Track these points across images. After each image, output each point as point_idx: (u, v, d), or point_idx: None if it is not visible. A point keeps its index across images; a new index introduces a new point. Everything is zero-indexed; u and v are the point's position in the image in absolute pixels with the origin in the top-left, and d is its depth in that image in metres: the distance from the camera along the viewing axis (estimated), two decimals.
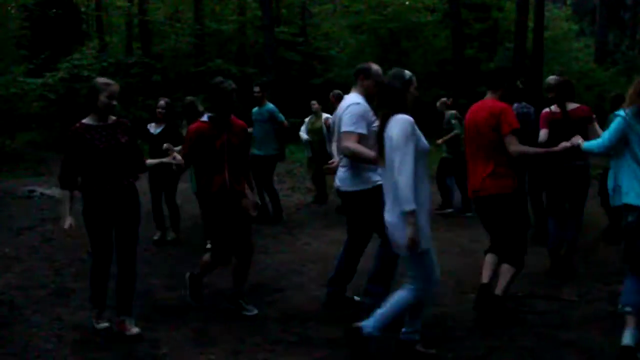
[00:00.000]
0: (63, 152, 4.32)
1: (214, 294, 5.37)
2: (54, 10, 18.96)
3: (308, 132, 9.61)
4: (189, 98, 6.95)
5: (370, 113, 4.48)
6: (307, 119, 9.75)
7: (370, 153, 4.18)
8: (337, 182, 4.70)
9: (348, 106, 4.51)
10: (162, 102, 7.25)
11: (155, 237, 7.21)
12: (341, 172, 4.62)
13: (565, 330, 4.38)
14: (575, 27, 24.29)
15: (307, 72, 20.98)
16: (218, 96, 4.57)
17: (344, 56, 22.02)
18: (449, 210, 8.91)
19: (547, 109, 5.79)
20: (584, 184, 5.70)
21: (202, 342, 4.34)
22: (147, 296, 5.35)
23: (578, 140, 4.40)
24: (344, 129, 4.45)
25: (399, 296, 3.81)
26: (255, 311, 4.84)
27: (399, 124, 3.64)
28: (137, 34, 21.98)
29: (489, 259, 4.65)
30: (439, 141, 8.90)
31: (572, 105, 5.60)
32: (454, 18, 18.81)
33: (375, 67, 4.70)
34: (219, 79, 4.66)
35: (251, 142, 7.50)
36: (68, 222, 4.26)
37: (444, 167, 9.02)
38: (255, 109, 8.39)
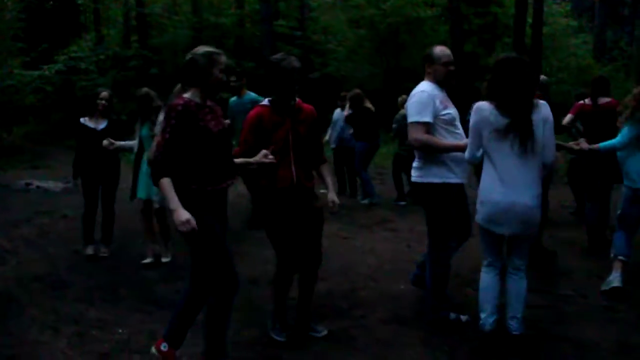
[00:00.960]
0: (166, 132, 3.37)
1: None
2: (51, 2, 18.92)
3: None
4: (144, 89, 6.30)
5: (439, 100, 4.21)
6: None
7: (443, 142, 4.14)
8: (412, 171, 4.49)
9: (412, 95, 4.32)
10: (105, 93, 6.45)
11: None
12: (414, 162, 4.42)
13: (559, 325, 4.38)
14: (574, 23, 24.26)
15: (306, 66, 20.91)
16: (277, 76, 3.90)
17: (343, 50, 21.95)
18: (403, 202, 9.31)
19: (581, 101, 6.53)
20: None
21: (198, 333, 4.32)
22: (143, 288, 5.35)
23: (585, 145, 5.22)
24: (408, 119, 4.24)
25: (520, 287, 3.93)
26: (325, 332, 4.25)
27: (548, 108, 3.80)
28: (135, 27, 21.89)
29: None
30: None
31: (603, 99, 6.24)
32: (453, 13, 18.78)
33: (437, 50, 4.36)
34: (279, 55, 4.04)
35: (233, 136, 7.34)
36: (185, 217, 3.30)
37: (398, 163, 9.41)
38: (233, 99, 7.81)
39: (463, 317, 4.41)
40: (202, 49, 3.53)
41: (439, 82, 4.33)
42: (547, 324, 4.30)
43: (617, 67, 20.31)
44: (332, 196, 4.14)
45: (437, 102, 4.19)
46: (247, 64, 19.72)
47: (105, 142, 5.91)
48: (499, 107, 3.69)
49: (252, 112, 4.05)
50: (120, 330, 4.42)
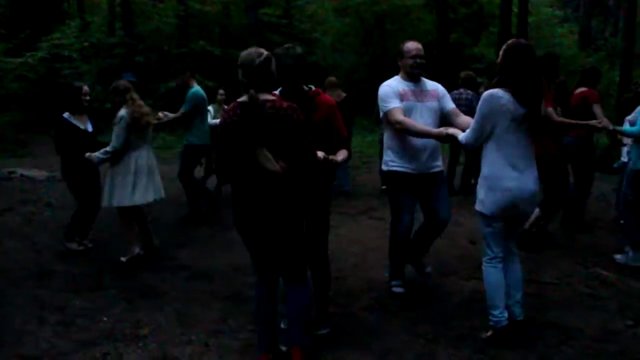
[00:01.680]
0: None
1: (195, 275, 5.37)
2: None
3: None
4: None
5: (400, 93, 4.50)
6: (210, 109, 8.45)
7: (419, 126, 4.38)
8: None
9: (379, 90, 4.62)
10: (86, 88, 6.10)
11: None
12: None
13: (544, 312, 4.43)
14: (559, 13, 24.38)
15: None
16: (280, 67, 3.61)
17: (329, 39, 21.91)
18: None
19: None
20: None
21: (183, 322, 4.34)
22: (128, 277, 5.33)
23: (607, 123, 5.83)
24: (382, 112, 4.60)
25: (518, 272, 4.04)
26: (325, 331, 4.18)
27: None
28: (119, 14, 21.65)
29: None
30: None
31: (581, 89, 6.48)
32: (439, 2, 18.80)
33: (406, 44, 4.62)
34: (285, 47, 3.78)
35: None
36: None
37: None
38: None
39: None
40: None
41: (408, 75, 4.58)
42: (532, 311, 4.34)
43: (602, 57, 20.46)
44: (333, 156, 3.76)
45: (398, 95, 4.49)
46: (233, 53, 19.63)
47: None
48: (515, 95, 3.69)
49: None
50: (105, 319, 4.41)
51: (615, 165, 6.89)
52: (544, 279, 5.18)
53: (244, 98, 3.39)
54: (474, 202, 4.02)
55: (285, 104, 3.35)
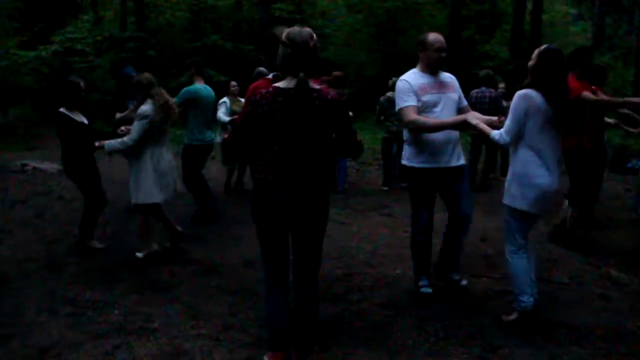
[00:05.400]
0: None
1: (205, 270, 5.38)
2: None
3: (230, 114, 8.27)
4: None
5: (419, 87, 4.41)
6: (227, 100, 8.46)
7: (431, 121, 4.36)
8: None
9: (396, 85, 4.57)
10: (83, 83, 5.95)
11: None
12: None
13: (555, 312, 4.41)
14: (573, 10, 24.22)
15: None
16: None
17: (341, 35, 21.85)
18: (386, 188, 9.43)
19: None
20: None
21: (193, 316, 4.35)
22: (139, 270, 5.36)
23: None
24: (397, 108, 4.53)
25: (532, 263, 4.19)
26: None
27: None
28: (132, 8, 21.72)
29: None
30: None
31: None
32: None
33: (430, 36, 4.52)
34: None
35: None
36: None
37: (386, 146, 9.50)
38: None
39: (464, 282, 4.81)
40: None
41: (429, 68, 4.50)
42: (543, 310, 4.32)
43: (616, 55, 20.28)
44: None
45: (417, 89, 4.39)
46: (245, 47, 19.63)
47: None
48: (546, 96, 3.89)
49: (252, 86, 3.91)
50: (116, 312, 4.43)
51: (628, 165, 6.84)
52: (555, 278, 5.15)
53: (285, 83, 3.15)
54: (488, 200, 4.06)
55: (330, 91, 3.24)
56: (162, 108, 5.53)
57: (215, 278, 5.18)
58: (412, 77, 4.48)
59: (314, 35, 3.21)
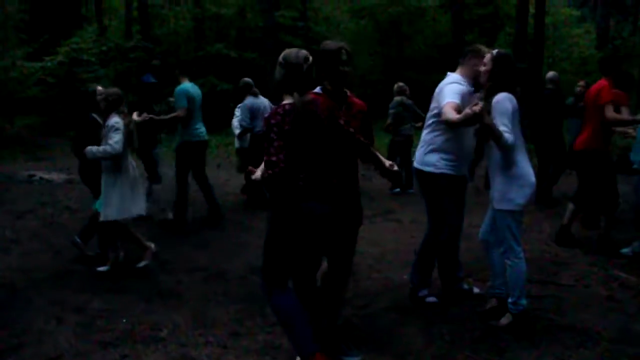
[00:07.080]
0: None
1: (211, 276, 5.40)
2: None
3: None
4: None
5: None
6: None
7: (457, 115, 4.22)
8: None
9: (447, 83, 4.41)
10: (100, 88, 6.10)
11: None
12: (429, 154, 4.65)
13: (562, 314, 4.41)
14: (576, 13, 24.19)
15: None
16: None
17: (344, 41, 21.94)
18: (397, 190, 9.63)
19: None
20: None
21: (201, 323, 4.37)
22: (146, 279, 5.38)
23: None
24: (443, 101, 4.25)
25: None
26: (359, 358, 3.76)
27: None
28: (136, 18, 21.86)
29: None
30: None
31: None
32: (455, 3, 18.72)
33: (485, 49, 4.46)
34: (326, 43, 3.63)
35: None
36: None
37: (393, 149, 9.67)
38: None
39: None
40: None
41: (472, 79, 4.40)
42: (549, 313, 4.32)
43: (620, 57, 20.23)
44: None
45: (463, 97, 4.24)
46: (249, 55, 19.71)
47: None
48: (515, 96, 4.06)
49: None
50: (124, 320, 4.45)
51: (635, 166, 6.81)
52: (561, 280, 5.15)
53: (291, 101, 3.27)
54: (488, 203, 4.12)
55: (326, 101, 3.34)
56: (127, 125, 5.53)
57: (222, 285, 5.21)
58: (463, 83, 4.39)
59: (310, 57, 3.33)
